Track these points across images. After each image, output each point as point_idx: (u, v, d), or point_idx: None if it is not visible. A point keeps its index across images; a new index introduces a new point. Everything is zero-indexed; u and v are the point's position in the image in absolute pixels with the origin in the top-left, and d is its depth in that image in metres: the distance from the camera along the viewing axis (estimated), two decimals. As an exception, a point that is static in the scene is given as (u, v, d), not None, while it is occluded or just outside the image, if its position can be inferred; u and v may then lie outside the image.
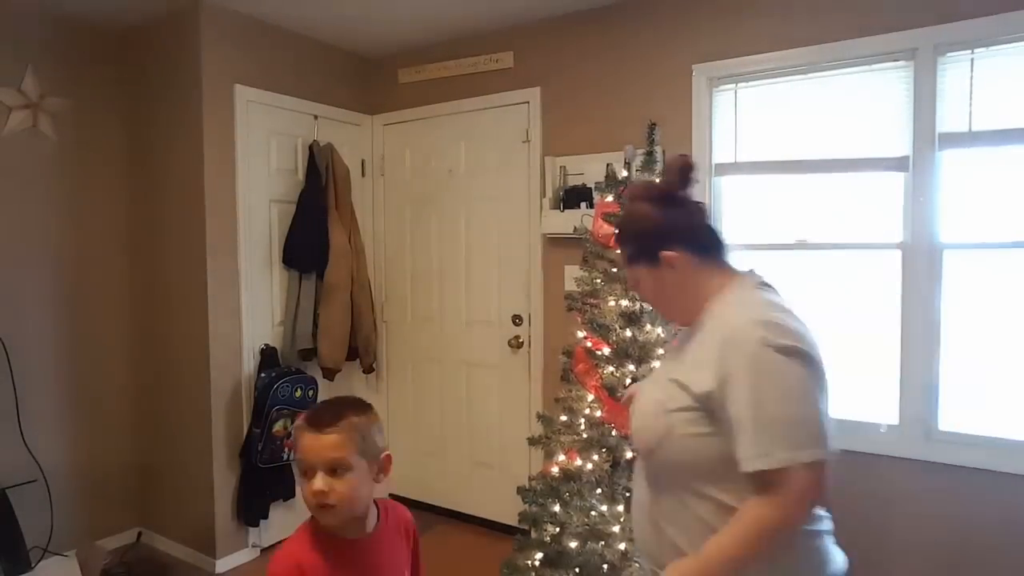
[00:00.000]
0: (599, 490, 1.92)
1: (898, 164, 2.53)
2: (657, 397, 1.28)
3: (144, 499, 3.47)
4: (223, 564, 3.17)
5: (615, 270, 1.97)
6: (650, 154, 1.96)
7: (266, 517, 3.30)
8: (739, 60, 2.77)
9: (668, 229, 1.32)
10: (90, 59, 3.24)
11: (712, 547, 1.16)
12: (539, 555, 1.95)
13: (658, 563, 1.29)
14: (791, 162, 2.74)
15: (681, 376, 1.25)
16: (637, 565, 1.75)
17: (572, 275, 2.75)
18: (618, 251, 1.98)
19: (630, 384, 1.89)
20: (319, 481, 1.21)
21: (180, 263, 3.20)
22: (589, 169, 3.07)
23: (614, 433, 1.89)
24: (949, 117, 2.44)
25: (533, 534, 2.00)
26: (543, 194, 3.24)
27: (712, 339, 1.22)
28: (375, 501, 1.35)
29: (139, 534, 3.45)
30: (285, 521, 3.45)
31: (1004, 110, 2.36)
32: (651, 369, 1.88)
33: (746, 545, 1.14)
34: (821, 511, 1.25)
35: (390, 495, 3.58)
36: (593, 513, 1.89)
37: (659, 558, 1.29)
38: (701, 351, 1.24)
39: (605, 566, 1.82)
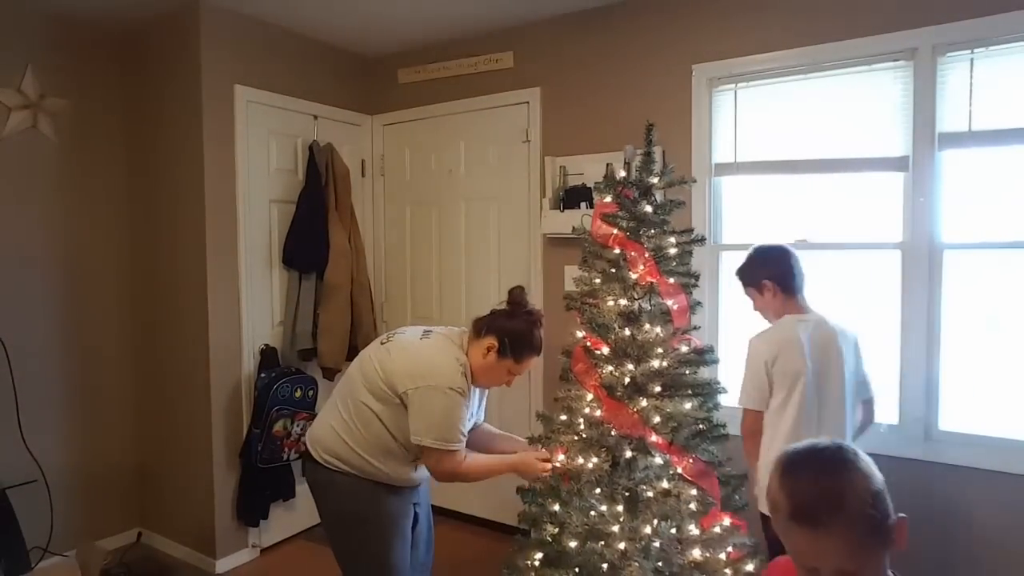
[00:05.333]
0: (599, 490, 1.91)
1: (898, 164, 2.53)
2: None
3: (144, 499, 3.47)
4: (223, 564, 3.17)
5: (614, 270, 1.97)
6: (649, 154, 1.95)
7: (266, 517, 3.30)
8: (739, 60, 2.77)
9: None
10: (90, 59, 3.25)
11: None
12: (539, 555, 1.95)
13: None
14: (791, 162, 2.74)
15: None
16: (636, 564, 1.75)
17: (571, 275, 2.74)
18: (616, 251, 1.99)
19: (628, 383, 1.88)
20: None
21: (180, 263, 3.20)
22: (589, 169, 3.07)
23: (613, 433, 1.88)
24: (949, 117, 2.43)
25: (533, 534, 2.00)
26: (543, 194, 3.24)
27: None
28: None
29: (139, 534, 3.46)
30: (285, 521, 3.45)
31: (1004, 110, 2.36)
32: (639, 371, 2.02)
33: None
34: None
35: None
36: (593, 513, 1.89)
37: None
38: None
39: (605, 566, 1.82)
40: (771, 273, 2.20)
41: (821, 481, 1.01)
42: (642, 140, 1.96)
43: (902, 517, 1.01)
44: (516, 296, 2.06)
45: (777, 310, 2.21)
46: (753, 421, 2.19)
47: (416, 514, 2.22)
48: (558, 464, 1.95)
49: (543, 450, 2.00)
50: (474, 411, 2.13)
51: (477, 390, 2.13)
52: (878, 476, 1.03)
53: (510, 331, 1.99)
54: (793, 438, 1.93)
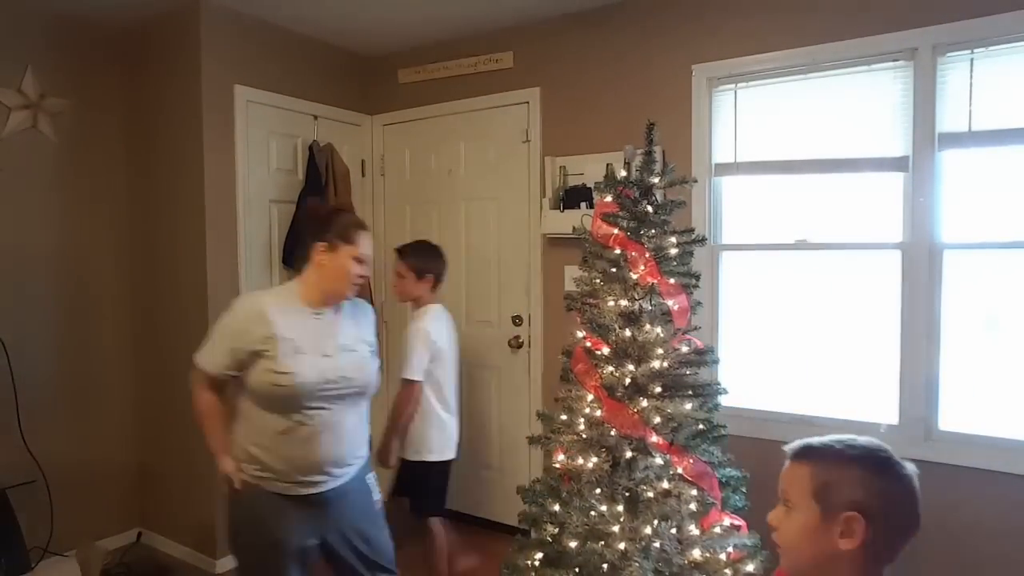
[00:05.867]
0: (599, 490, 1.91)
1: (898, 164, 2.53)
2: (364, 353, 1.96)
3: (144, 499, 3.47)
4: (223, 564, 3.16)
5: (614, 270, 1.97)
6: (650, 154, 1.96)
7: (266, 517, 3.29)
8: (739, 60, 2.76)
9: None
10: (90, 59, 3.24)
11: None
12: (539, 555, 1.95)
13: (348, 461, 1.94)
14: (791, 162, 2.74)
15: (366, 337, 1.99)
16: (636, 564, 1.75)
17: (572, 275, 2.75)
18: (617, 251, 1.99)
19: (629, 384, 1.89)
20: (773, 511, 1.14)
21: (180, 263, 3.20)
22: (589, 169, 3.07)
23: (613, 433, 1.88)
24: (949, 117, 2.43)
25: (533, 534, 2.00)
26: (543, 194, 3.24)
27: (367, 318, 2.05)
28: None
29: (139, 534, 3.45)
30: (285, 521, 3.44)
31: (1004, 110, 2.36)
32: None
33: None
34: None
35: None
36: (593, 513, 1.89)
37: (350, 457, 1.94)
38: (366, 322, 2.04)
39: (605, 566, 1.82)
40: (437, 268, 2.69)
41: (832, 441, 1.14)
42: (642, 140, 1.96)
43: (852, 515, 1.05)
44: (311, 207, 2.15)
45: (424, 297, 2.68)
46: (418, 390, 2.57)
47: (330, 548, 1.97)
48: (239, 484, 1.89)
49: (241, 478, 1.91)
50: (309, 349, 1.88)
51: (331, 320, 1.94)
52: (874, 483, 1.10)
53: (324, 227, 1.91)
54: (439, 401, 2.61)
